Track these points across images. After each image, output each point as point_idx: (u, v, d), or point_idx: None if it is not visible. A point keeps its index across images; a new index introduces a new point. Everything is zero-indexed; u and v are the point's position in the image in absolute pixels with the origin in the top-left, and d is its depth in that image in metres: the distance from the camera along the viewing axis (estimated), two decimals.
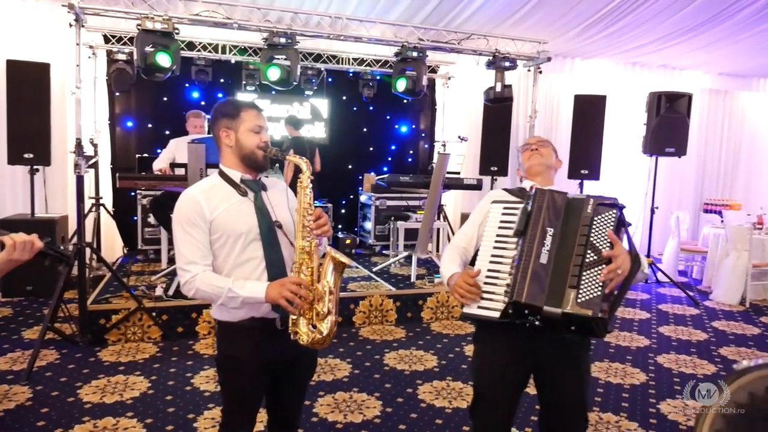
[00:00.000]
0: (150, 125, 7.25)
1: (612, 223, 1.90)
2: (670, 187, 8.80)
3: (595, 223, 1.90)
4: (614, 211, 1.92)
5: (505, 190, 2.21)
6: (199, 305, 4.58)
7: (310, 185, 1.96)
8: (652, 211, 6.89)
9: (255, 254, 1.93)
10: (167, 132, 7.01)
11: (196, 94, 7.39)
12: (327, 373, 3.91)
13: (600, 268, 1.83)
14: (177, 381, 3.73)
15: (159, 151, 6.77)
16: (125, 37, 6.40)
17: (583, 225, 1.91)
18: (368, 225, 7.69)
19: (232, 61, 7.26)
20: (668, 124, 6.60)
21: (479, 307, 1.90)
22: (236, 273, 1.91)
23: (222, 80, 7.47)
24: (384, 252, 7.59)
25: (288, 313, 1.84)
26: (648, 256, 7.03)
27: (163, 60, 4.64)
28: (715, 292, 6.47)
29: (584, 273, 1.83)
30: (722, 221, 7.30)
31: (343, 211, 8.34)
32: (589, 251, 1.86)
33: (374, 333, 4.88)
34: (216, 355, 2.05)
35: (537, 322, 1.85)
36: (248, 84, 7.24)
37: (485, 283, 1.92)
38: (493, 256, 1.96)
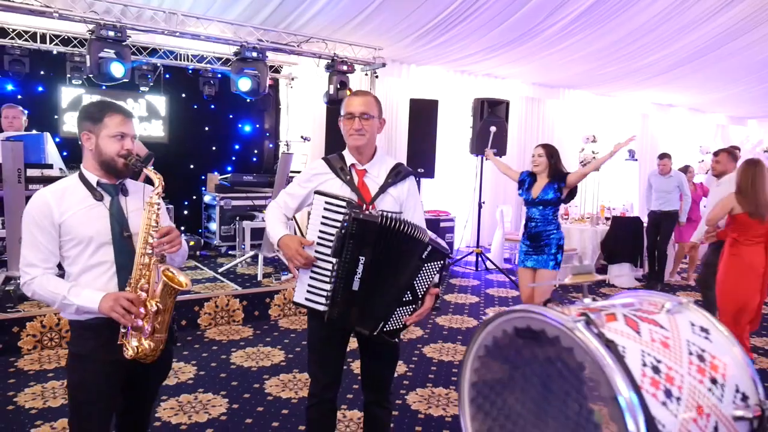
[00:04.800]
0: None
1: (438, 270, 2.15)
2: (495, 184, 9.77)
3: (423, 269, 2.11)
4: (442, 262, 2.13)
5: (324, 160, 2.31)
6: (22, 318, 4.19)
7: (161, 203, 1.97)
8: (480, 206, 7.65)
9: (105, 258, 1.93)
10: None
11: (10, 87, 6.64)
12: (170, 378, 3.82)
13: (411, 307, 2.16)
14: None
15: None
16: None
17: (413, 269, 2.09)
18: (213, 226, 7.52)
19: (54, 52, 6.66)
20: (490, 127, 7.34)
21: (306, 299, 2.15)
22: (85, 276, 1.92)
23: (42, 72, 6.81)
24: (230, 252, 7.47)
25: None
26: (477, 246, 7.81)
27: None
28: None
29: (397, 309, 2.14)
30: None
31: (186, 212, 8.05)
32: (408, 292, 2.13)
33: (221, 334, 4.84)
34: (66, 360, 1.99)
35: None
36: (74, 78, 6.67)
37: (311, 277, 2.13)
38: (317, 252, 2.10)
